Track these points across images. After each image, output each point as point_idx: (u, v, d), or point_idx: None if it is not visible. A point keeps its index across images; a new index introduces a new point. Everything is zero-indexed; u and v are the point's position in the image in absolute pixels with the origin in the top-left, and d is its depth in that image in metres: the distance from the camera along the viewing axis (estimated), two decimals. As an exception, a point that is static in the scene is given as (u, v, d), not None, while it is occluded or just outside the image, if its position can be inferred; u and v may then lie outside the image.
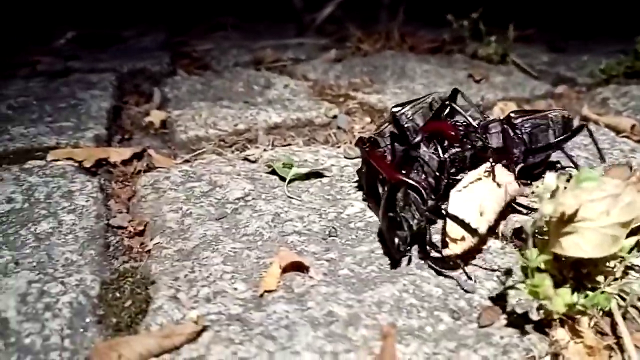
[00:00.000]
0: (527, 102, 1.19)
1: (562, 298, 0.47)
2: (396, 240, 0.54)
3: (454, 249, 0.55)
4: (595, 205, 0.48)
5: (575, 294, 0.48)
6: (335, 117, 1.01)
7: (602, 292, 0.48)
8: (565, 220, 0.48)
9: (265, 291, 0.52)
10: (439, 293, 0.52)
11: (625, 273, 0.56)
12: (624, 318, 0.52)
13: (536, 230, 0.51)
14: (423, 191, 0.58)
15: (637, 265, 0.58)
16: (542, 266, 0.49)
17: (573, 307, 0.47)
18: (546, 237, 0.51)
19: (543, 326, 0.50)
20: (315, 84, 1.22)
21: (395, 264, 0.56)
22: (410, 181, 0.58)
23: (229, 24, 1.69)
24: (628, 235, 0.52)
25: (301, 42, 1.60)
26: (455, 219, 0.55)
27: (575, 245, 0.49)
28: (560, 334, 0.49)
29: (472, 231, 0.55)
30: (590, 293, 0.49)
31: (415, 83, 1.24)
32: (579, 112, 1.10)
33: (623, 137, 0.98)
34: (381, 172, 0.59)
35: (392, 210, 0.55)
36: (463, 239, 0.56)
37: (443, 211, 0.59)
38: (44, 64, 1.25)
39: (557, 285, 0.49)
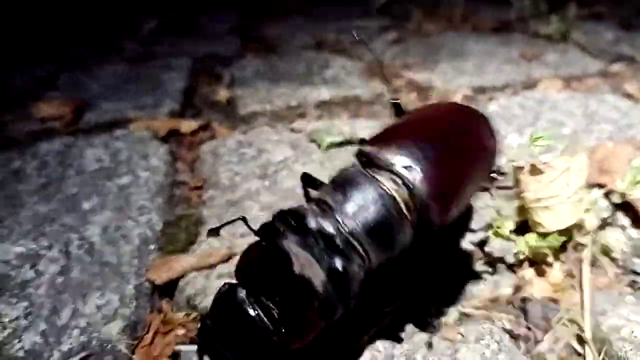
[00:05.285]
0: (578, 80, 1.22)
1: (527, 240, 0.55)
2: None
3: None
4: (557, 183, 0.56)
5: (542, 238, 0.56)
6: (382, 94, 1.10)
7: (558, 237, 0.55)
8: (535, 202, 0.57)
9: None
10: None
11: (603, 227, 0.63)
12: (594, 266, 0.59)
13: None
14: None
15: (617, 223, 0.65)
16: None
17: (538, 249, 0.56)
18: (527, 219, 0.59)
19: (515, 268, 0.58)
20: (370, 64, 1.31)
21: None
22: None
23: (297, 8, 1.82)
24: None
25: (364, 24, 1.70)
26: None
27: (554, 220, 0.57)
28: (528, 273, 0.57)
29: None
30: (560, 238, 0.56)
31: (467, 62, 1.30)
32: (625, 89, 1.12)
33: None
34: None
35: None
36: None
37: None
38: (130, 51, 1.45)
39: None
